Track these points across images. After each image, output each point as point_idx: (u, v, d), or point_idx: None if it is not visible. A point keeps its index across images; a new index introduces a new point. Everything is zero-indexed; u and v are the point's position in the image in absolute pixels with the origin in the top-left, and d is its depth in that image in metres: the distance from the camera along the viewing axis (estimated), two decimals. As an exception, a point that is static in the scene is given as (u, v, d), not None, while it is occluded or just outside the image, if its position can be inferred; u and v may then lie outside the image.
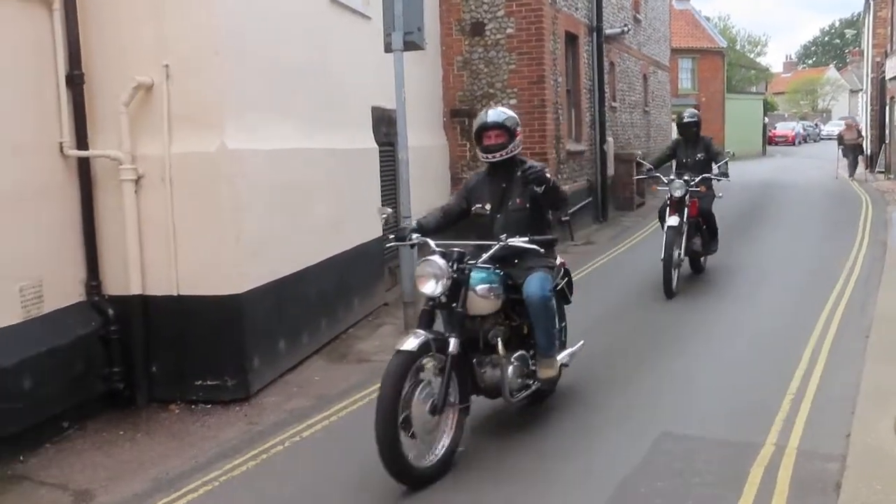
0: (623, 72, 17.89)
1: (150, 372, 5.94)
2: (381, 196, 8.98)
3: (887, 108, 23.55)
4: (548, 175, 4.79)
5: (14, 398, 5.04)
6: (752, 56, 56.53)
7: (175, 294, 5.90)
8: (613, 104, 16.72)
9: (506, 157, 5.01)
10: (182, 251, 5.87)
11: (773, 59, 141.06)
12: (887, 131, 23.54)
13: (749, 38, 60.58)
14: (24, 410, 5.10)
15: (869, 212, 14.83)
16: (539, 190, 4.81)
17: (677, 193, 8.68)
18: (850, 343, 6.60)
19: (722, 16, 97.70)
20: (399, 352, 4.25)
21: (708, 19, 41.90)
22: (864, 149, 24.66)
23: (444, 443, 4.47)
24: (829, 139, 44.15)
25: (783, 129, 49.05)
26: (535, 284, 4.84)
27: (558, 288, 5.29)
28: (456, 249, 4.62)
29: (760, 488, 4.16)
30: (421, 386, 4.29)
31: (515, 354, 4.93)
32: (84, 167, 5.83)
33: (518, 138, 5.06)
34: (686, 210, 8.69)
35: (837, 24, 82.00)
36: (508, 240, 4.66)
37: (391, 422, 4.09)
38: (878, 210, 14.98)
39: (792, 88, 66.86)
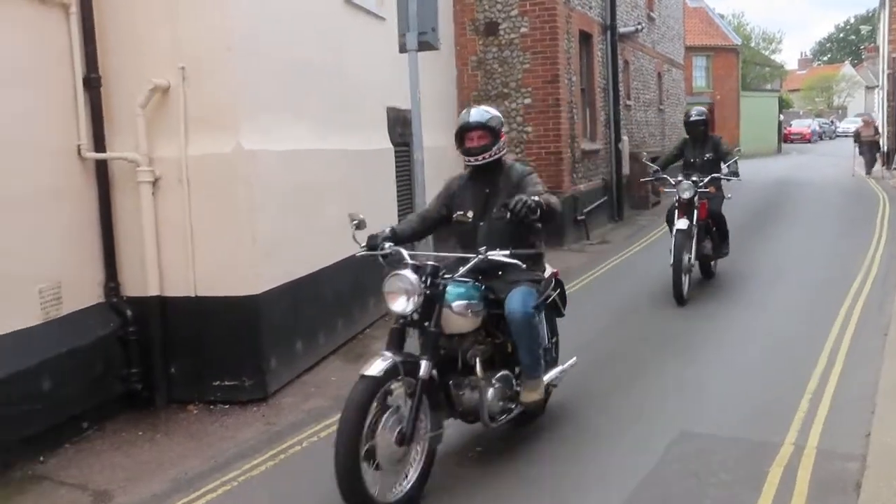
0: (637, 70, 17.84)
1: (168, 373, 5.98)
2: (397, 196, 8.99)
3: (904, 104, 23.34)
4: (535, 201, 4.20)
5: (34, 399, 5.08)
6: (766, 53, 56.20)
7: (193, 295, 5.93)
8: (628, 103, 16.68)
9: (489, 160, 4.62)
10: (199, 252, 5.90)
11: (788, 56, 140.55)
12: (904, 128, 23.34)
13: (764, 36, 60.28)
14: (43, 411, 5.13)
15: (886, 209, 14.72)
16: (535, 217, 4.28)
17: (685, 195, 8.31)
18: (868, 341, 6.56)
19: (736, 13, 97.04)
20: (363, 377, 3.86)
21: (722, 17, 41.69)
22: (882, 145, 24.45)
23: (413, 474, 4.10)
24: (845, 136, 43.89)
25: (799, 126, 48.71)
26: (516, 300, 4.42)
27: (549, 300, 4.96)
28: (430, 263, 4.23)
29: (780, 488, 4.14)
30: (388, 413, 3.92)
31: (498, 375, 4.53)
32: (102, 169, 5.87)
33: (503, 140, 4.69)
34: (695, 212, 8.34)
35: (852, 20, 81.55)
36: (488, 253, 4.19)
37: (352, 454, 3.73)
38: (895, 207, 14.86)
39: (807, 85, 66.41)
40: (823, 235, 12.32)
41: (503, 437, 4.91)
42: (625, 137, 15.56)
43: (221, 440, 5.34)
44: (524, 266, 4.26)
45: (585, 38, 13.66)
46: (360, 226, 4.52)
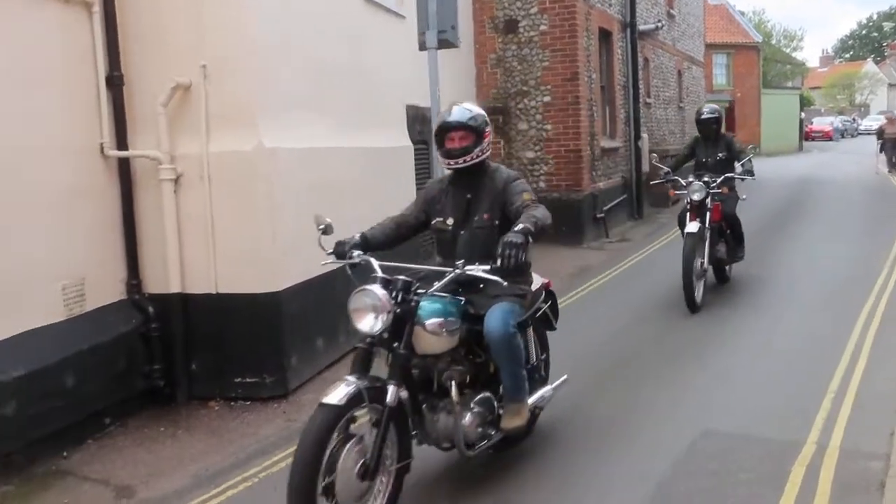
0: (657, 68, 17.75)
1: (189, 369, 6.02)
2: (416, 195, 8.98)
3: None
4: (523, 236, 3.69)
5: (57, 395, 5.13)
6: (787, 51, 55.69)
7: (214, 292, 5.97)
8: (648, 100, 16.61)
9: (471, 163, 4.20)
10: (220, 249, 5.93)
11: (810, 53, 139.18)
12: (929, 125, 23.07)
13: (785, 33, 59.65)
14: (66, 407, 5.18)
15: (910, 207, 14.57)
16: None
17: (696, 196, 7.91)
18: (891, 339, 6.50)
19: (757, 10, 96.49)
20: (322, 406, 3.50)
21: (742, 14, 41.42)
22: (905, 143, 24.18)
23: None
24: (868, 134, 43.45)
25: (820, 124, 48.30)
26: (496, 318, 4.01)
27: (539, 314, 4.64)
28: (401, 277, 3.82)
29: (802, 487, 4.11)
30: (350, 444, 3.57)
31: (478, 398, 4.16)
32: (124, 167, 5.91)
33: (486, 140, 4.25)
34: (708, 214, 7.95)
35: (875, 16, 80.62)
36: (466, 267, 3.78)
37: (308, 491, 3.40)
38: (919, 205, 14.72)
39: (829, 83, 65.82)
40: (846, 234, 12.20)
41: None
42: (644, 135, 15.48)
43: (242, 437, 5.37)
44: (505, 283, 3.76)
45: (605, 35, 13.61)
46: (326, 230, 4.10)
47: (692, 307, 7.65)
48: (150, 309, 5.95)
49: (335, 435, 3.50)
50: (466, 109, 4.26)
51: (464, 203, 4.30)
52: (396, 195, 8.31)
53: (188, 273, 5.98)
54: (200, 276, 5.97)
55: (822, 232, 12.51)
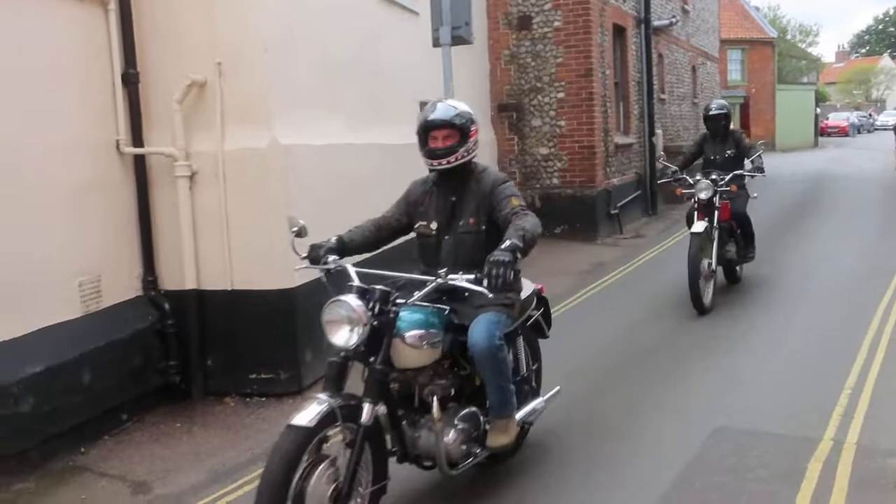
0: (672, 63, 17.68)
1: (205, 365, 6.04)
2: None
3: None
4: (512, 252, 3.44)
5: (74, 391, 5.16)
6: (803, 46, 55.35)
7: (229, 288, 5.99)
8: (662, 96, 16.55)
9: (455, 164, 3.94)
10: (235, 246, 5.95)
11: (825, 48, 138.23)
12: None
13: (800, 28, 59.35)
14: (84, 403, 5.22)
15: (928, 203, 14.45)
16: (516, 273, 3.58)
17: (703, 195, 7.65)
18: (910, 336, 6.45)
19: (772, 5, 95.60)
20: (290, 427, 3.24)
21: (757, 9, 41.14)
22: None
23: None
24: (884, 129, 43.11)
25: (836, 119, 47.99)
26: (480, 330, 3.77)
27: (530, 322, 4.44)
28: (379, 287, 3.56)
29: (819, 484, 4.08)
30: (322, 467, 3.33)
31: (462, 413, 3.91)
32: (140, 164, 5.94)
33: (472, 139, 3.99)
34: (716, 213, 7.73)
35: (892, 11, 79.93)
36: (449, 276, 3.49)
37: None
38: (937, 201, 14.59)
39: (845, 78, 65.41)
40: (861, 230, 12.10)
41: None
42: (659, 131, 15.43)
43: (258, 432, 5.39)
44: (490, 295, 3.45)
45: (619, 31, 13.56)
46: (300, 233, 3.84)
47: (700, 309, 7.42)
48: (166, 305, 5.98)
49: (305, 457, 3.26)
50: (451, 106, 4.02)
51: (448, 206, 4.05)
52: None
53: (203, 269, 6.01)
54: (216, 272, 5.99)
55: (836, 228, 12.42)
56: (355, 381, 3.60)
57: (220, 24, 5.89)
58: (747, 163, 8.15)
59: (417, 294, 3.62)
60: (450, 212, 4.05)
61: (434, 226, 4.06)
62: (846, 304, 7.73)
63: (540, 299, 4.53)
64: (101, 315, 5.55)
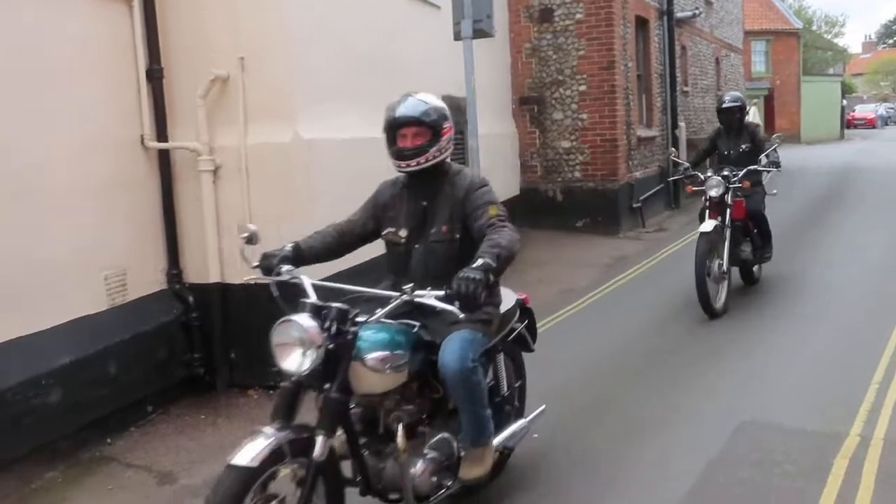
0: (695, 55, 17.54)
1: (229, 358, 6.09)
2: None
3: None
4: (484, 271, 3.05)
5: (101, 383, 5.23)
6: (828, 37, 54.69)
7: (252, 282, 6.01)
8: (685, 89, 16.43)
9: (425, 165, 3.54)
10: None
11: (852, 39, 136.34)
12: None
13: (826, 19, 58.68)
14: (110, 395, 5.29)
15: (956, 196, 14.24)
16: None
17: (714, 192, 7.29)
18: (938, 330, 6.37)
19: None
20: (231, 468, 2.84)
21: (782, 0, 40.68)
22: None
23: None
24: (913, 121, 42.52)
25: (863, 111, 47.39)
26: (451, 350, 3.37)
27: (512, 336, 4.05)
28: (335, 305, 3.14)
29: (845, 480, 4.04)
30: None
31: (434, 440, 3.55)
32: (164, 159, 5.99)
33: (445, 137, 3.58)
34: (728, 211, 7.34)
35: (921, 1, 78.66)
36: (416, 292, 3.10)
37: None
38: (966, 194, 14.38)
39: (871, 69, 64.48)
40: (889, 223, 11.94)
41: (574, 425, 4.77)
42: (682, 124, 15.32)
43: (281, 425, 5.41)
44: (460, 315, 3.05)
45: (642, 23, 13.47)
46: (251, 239, 3.43)
47: (710, 312, 7.06)
48: (190, 299, 6.03)
49: (250, 498, 2.87)
50: (420, 101, 3.61)
51: (419, 212, 3.66)
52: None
53: (227, 263, 6.05)
54: (239, 266, 6.03)
55: (863, 221, 12.27)
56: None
57: (242, 19, 5.92)
58: (762, 158, 7.68)
59: (380, 311, 3.20)
60: (420, 218, 3.65)
61: (403, 233, 3.67)
62: (874, 297, 7.65)
63: (524, 310, 4.17)
64: (126, 308, 5.60)
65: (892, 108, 52.08)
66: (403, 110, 3.58)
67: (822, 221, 12.41)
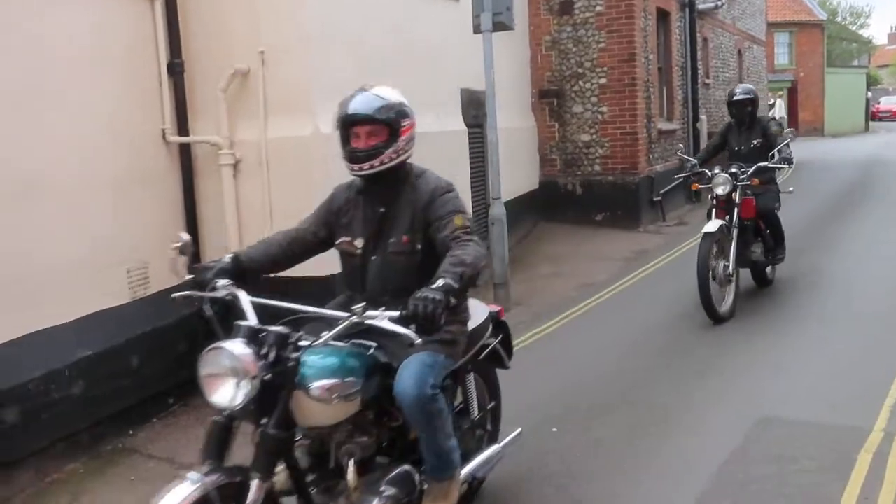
0: (717, 48, 17.38)
1: (248, 351, 6.11)
2: (471, 178, 8.98)
3: None
4: (444, 292, 2.68)
5: (123, 375, 5.28)
6: (853, 28, 53.98)
7: (272, 276, 6.04)
8: (707, 81, 16.28)
9: (380, 169, 3.15)
10: (278, 234, 6.01)
11: (877, 30, 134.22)
12: None
13: (851, 10, 57.89)
14: (132, 387, 5.34)
15: (983, 189, 14.04)
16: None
17: (721, 190, 6.94)
18: (963, 326, 6.29)
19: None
20: None
21: (806, -10, 40.20)
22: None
23: None
24: (939, 113, 41.95)
25: (888, 103, 46.75)
26: (408, 376, 2.99)
27: (484, 354, 3.67)
28: (274, 329, 2.76)
29: (868, 475, 3.99)
30: None
31: (392, 475, 3.15)
32: (185, 153, 6.03)
33: (405, 136, 3.20)
34: (736, 210, 6.97)
35: (948, -9, 77.51)
36: (367, 313, 2.69)
37: None
38: None
39: (897, 61, 63.58)
40: (914, 217, 11.82)
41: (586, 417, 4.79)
42: (703, 117, 15.20)
43: (301, 417, 5.44)
44: (417, 340, 2.64)
45: (663, 15, 13.36)
46: (183, 250, 3.09)
47: (714, 317, 6.72)
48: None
49: None
50: (376, 96, 3.20)
51: (376, 219, 3.26)
52: (450, 179, 8.32)
53: (247, 257, 6.07)
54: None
55: (887, 215, 12.11)
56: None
57: (262, 13, 5.94)
58: (775, 153, 7.23)
59: (326, 334, 2.79)
60: (378, 226, 3.26)
61: (359, 243, 3.28)
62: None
63: (497, 324, 3.80)
64: (148, 301, 5.65)
65: (917, 100, 51.36)
66: (356, 106, 3.18)
67: (845, 216, 12.27)
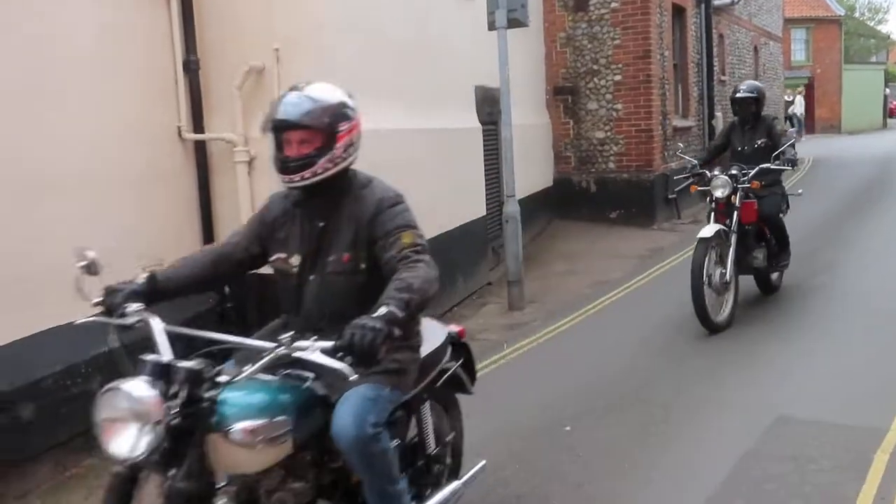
0: (733, 44, 17.29)
1: (264, 348, 6.13)
2: (485, 175, 8.97)
3: None
4: (386, 322, 2.34)
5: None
6: (871, 24, 53.52)
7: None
8: (722, 78, 16.20)
9: (313, 180, 2.75)
10: (292, 231, 6.02)
11: None
12: None
13: (869, 5, 57.28)
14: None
15: None
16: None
17: (719, 193, 6.59)
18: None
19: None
20: None
21: (824, -14, 39.89)
22: None
23: None
24: (958, 110, 41.55)
25: (905, 100, 46.38)
26: (346, 413, 2.63)
27: (443, 380, 3.28)
28: (184, 365, 2.38)
29: (885, 475, 3.97)
30: None
31: None
32: (200, 150, 6.05)
33: (343, 142, 2.78)
34: (736, 214, 6.61)
35: (967, -14, 76.71)
36: (296, 343, 2.37)
37: None
38: None
39: (916, 57, 63.02)
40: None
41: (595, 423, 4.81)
42: (719, 114, 15.13)
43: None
44: (352, 375, 2.29)
45: (679, 11, 13.30)
46: (91, 269, 2.75)
47: (707, 326, 6.38)
48: (226, 289, 6.08)
49: None
50: (307, 98, 2.76)
51: (314, 235, 2.87)
52: (466, 176, 8.35)
53: (262, 254, 6.09)
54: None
55: (905, 213, 12.04)
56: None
57: (277, 10, 5.95)
58: (781, 154, 6.89)
59: (248, 368, 2.43)
60: (316, 242, 2.87)
61: (295, 260, 2.89)
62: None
63: (457, 346, 3.43)
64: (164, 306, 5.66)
65: (936, 97, 50.91)
66: (284, 110, 2.74)
67: (863, 212, 12.18)
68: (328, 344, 2.32)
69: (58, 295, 4.81)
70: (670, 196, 12.39)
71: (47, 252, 4.78)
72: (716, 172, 6.78)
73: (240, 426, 2.42)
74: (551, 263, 9.70)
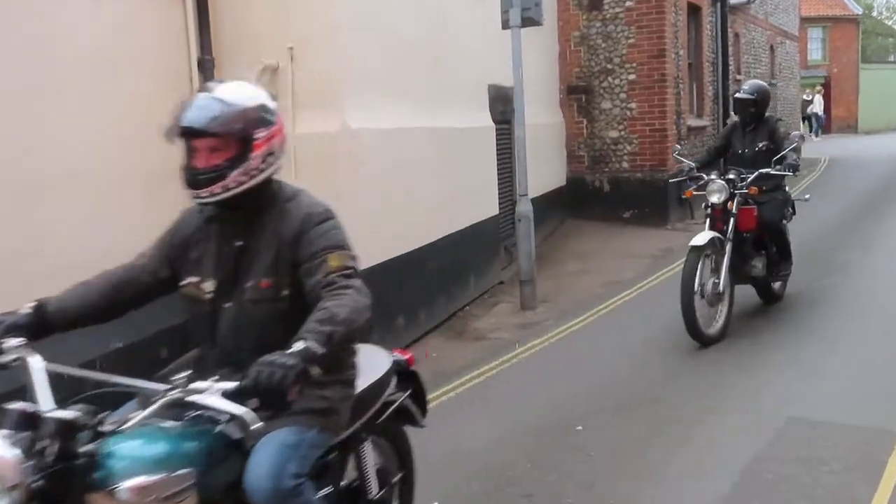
0: (748, 43, 17.21)
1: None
2: (497, 174, 8.98)
3: None
4: (293, 361, 1.99)
5: (154, 366, 5.33)
6: (890, 23, 53.10)
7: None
8: (738, 77, 16.12)
9: (222, 196, 2.40)
10: (306, 229, 6.05)
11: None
12: None
13: (887, 4, 56.86)
14: (162, 377, 5.40)
15: None
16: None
17: (715, 199, 6.25)
18: None
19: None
20: None
21: (841, -15, 39.60)
22: None
23: None
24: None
25: (924, 99, 45.97)
26: (263, 461, 2.27)
27: (388, 413, 2.92)
28: (54, 416, 2.02)
29: (898, 479, 3.96)
30: None
31: None
32: (214, 149, 6.08)
33: (261, 151, 2.41)
34: (733, 221, 6.27)
35: None
36: (192, 385, 2.08)
37: None
38: None
39: (934, 56, 62.48)
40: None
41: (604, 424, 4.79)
42: (733, 113, 15.05)
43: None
44: (256, 423, 2.03)
45: (694, 10, 13.25)
46: None
47: (698, 338, 6.05)
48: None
49: None
50: (216, 100, 2.40)
51: (231, 255, 2.51)
52: (479, 175, 8.35)
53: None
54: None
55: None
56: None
57: (291, 9, 5.97)
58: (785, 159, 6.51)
59: (138, 415, 2.10)
60: (233, 265, 2.50)
61: (209, 286, 2.52)
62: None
63: (404, 375, 3.05)
64: (175, 294, 5.69)
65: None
66: (189, 115, 2.41)
67: (880, 212, 12.08)
68: (230, 385, 2.02)
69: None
70: (684, 196, 12.40)
71: (56, 251, 4.82)
72: (712, 176, 6.46)
73: (130, 483, 2.02)
74: (564, 263, 9.69)
